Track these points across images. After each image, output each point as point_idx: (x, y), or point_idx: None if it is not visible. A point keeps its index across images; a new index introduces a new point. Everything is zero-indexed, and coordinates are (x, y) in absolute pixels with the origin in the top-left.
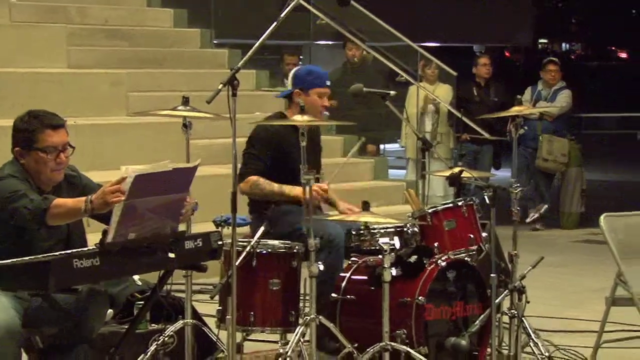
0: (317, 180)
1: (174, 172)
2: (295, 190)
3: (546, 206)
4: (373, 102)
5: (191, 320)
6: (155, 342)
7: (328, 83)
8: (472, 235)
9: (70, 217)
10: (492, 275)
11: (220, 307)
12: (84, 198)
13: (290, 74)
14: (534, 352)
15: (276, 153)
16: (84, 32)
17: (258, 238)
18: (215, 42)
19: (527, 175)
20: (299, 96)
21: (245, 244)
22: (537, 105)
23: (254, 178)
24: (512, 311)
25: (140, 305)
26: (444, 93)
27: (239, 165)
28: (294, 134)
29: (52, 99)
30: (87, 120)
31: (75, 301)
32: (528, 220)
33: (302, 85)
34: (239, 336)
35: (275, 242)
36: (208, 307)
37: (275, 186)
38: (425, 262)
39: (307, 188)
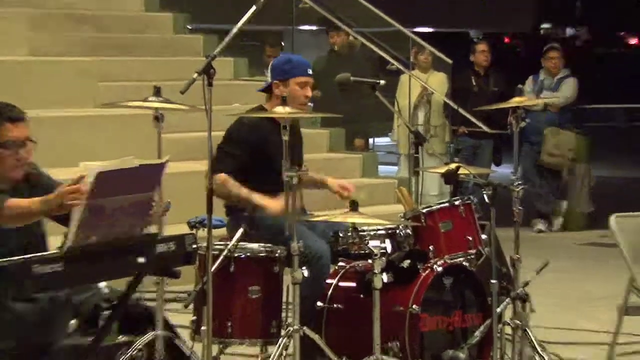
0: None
1: (140, 169)
2: (263, 201)
3: (565, 202)
4: (361, 92)
5: (163, 332)
6: (124, 356)
7: (309, 72)
8: (470, 238)
9: (26, 219)
10: (492, 281)
11: (194, 317)
12: (39, 198)
13: (269, 66)
14: None
15: (255, 150)
16: (47, 17)
17: (236, 241)
18: (189, 27)
19: (538, 175)
20: (277, 88)
21: (222, 247)
22: (540, 96)
23: (222, 176)
24: (515, 321)
25: (107, 316)
26: (438, 82)
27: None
28: (275, 129)
29: (12, 89)
30: (50, 113)
31: (35, 311)
32: (555, 228)
33: (280, 76)
34: (215, 349)
35: (255, 246)
36: (181, 317)
37: (244, 191)
38: (419, 267)
39: (290, 185)
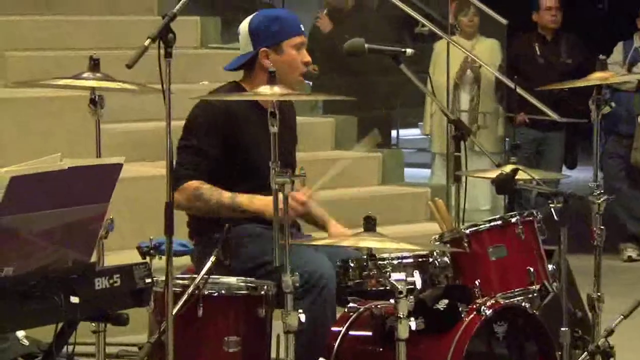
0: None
1: (72, 173)
2: (256, 203)
3: None
4: (379, 65)
5: None
6: None
7: (302, 28)
8: (531, 269)
9: None
10: (563, 329)
11: None
12: None
13: (242, 28)
14: None
15: (228, 143)
16: None
17: (206, 273)
18: None
19: (628, 182)
20: (266, 58)
21: (187, 282)
22: (633, 70)
23: (193, 184)
24: None
25: None
26: (487, 52)
27: None
28: (256, 117)
29: None
30: None
31: None
32: None
33: (269, 41)
34: None
35: (232, 280)
36: None
37: (226, 196)
38: (461, 309)
39: (280, 196)
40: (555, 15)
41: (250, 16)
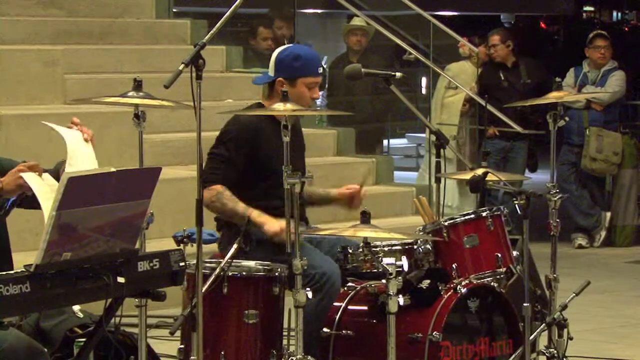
0: (303, 184)
1: (119, 175)
2: (262, 219)
3: (609, 214)
4: (373, 86)
5: None
6: None
7: (320, 70)
8: (499, 255)
9: None
10: (525, 304)
11: (182, 346)
12: None
13: (273, 57)
14: None
15: (252, 153)
16: None
17: (230, 258)
18: (174, 10)
19: (577, 184)
20: (281, 86)
21: (214, 265)
22: (582, 91)
23: (217, 188)
24: (551, 350)
25: (82, 344)
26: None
27: None
28: (275, 130)
29: None
30: (12, 110)
31: None
32: (597, 244)
33: (287, 74)
34: None
35: (252, 264)
36: (167, 346)
37: (241, 206)
38: (440, 288)
39: (292, 192)
40: (497, 50)
41: (284, 46)
